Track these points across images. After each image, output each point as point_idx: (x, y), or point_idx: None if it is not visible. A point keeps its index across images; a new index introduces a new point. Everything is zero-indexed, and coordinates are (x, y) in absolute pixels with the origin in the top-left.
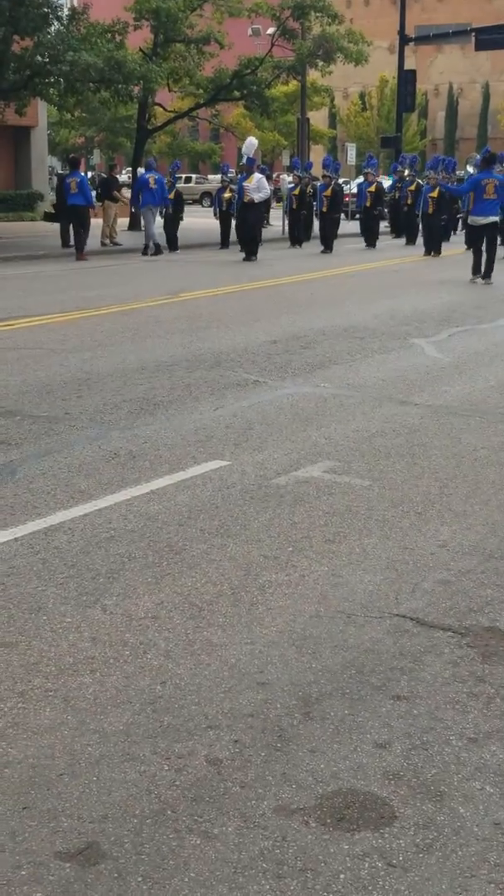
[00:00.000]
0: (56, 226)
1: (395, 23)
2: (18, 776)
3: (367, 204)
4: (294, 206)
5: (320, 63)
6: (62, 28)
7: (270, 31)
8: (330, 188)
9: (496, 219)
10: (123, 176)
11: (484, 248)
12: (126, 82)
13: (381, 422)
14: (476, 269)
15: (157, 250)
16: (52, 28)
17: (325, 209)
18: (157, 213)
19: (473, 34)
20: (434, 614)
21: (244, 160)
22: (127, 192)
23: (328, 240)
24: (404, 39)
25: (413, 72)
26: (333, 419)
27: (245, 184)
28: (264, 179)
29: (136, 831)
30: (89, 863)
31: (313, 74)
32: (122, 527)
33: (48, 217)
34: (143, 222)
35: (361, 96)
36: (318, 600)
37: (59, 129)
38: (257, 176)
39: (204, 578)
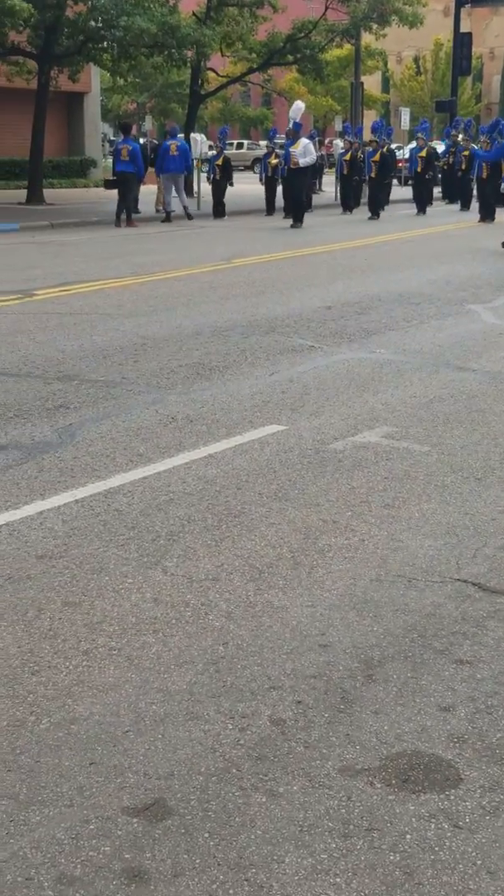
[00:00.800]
0: (112, 192)
1: None
2: (85, 732)
3: (419, 169)
4: (345, 172)
5: (374, 26)
6: None
7: None
8: (378, 153)
9: None
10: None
11: None
12: (179, 47)
13: (439, 387)
14: None
15: (167, 217)
16: None
17: (373, 175)
18: (182, 180)
19: None
20: (496, 579)
21: (291, 125)
22: None
23: (376, 206)
24: (460, 1)
25: (469, 35)
26: (390, 385)
27: (291, 149)
28: (311, 144)
29: (201, 788)
30: (157, 818)
31: (367, 38)
32: (181, 490)
33: (108, 184)
34: (161, 189)
35: (416, 60)
36: (378, 564)
37: (111, 94)
38: (304, 141)
39: (263, 542)
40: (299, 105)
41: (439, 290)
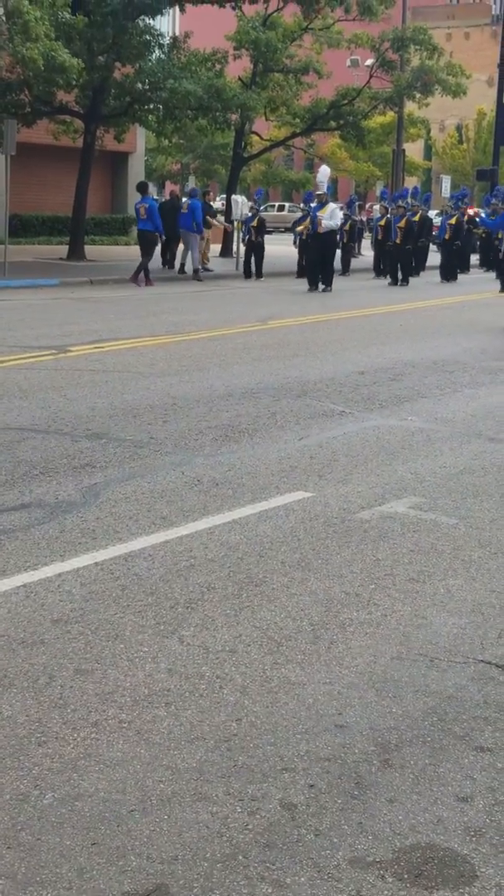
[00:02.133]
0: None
1: (494, 56)
2: (89, 810)
3: (446, 237)
4: (380, 237)
5: (418, 95)
6: (163, 56)
7: (369, 62)
8: (404, 219)
9: None
10: (218, 203)
11: None
12: (224, 110)
13: (470, 458)
14: None
15: (195, 275)
16: (154, 56)
17: (398, 241)
18: (193, 239)
19: None
20: None
21: (321, 188)
22: (221, 218)
23: (403, 272)
24: None
25: None
26: (420, 454)
27: (319, 213)
28: (338, 210)
29: (206, 875)
30: None
31: (410, 106)
32: (203, 556)
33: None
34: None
35: (458, 129)
36: (399, 641)
37: (156, 154)
38: (332, 205)
39: (283, 613)
40: (325, 170)
41: (474, 358)
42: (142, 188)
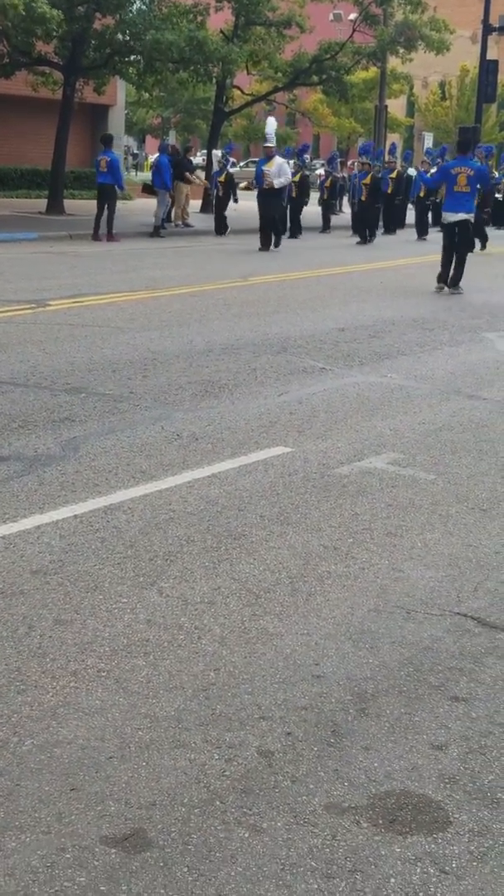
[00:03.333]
0: (140, 202)
1: (478, 12)
2: (68, 757)
3: (420, 194)
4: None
5: (401, 50)
6: (144, 7)
7: (352, 16)
8: (369, 176)
9: (468, 216)
10: (198, 158)
11: (455, 250)
12: (206, 63)
13: (449, 415)
14: (443, 276)
15: (155, 232)
16: (134, 6)
17: (363, 198)
18: (166, 195)
19: None
20: (496, 615)
21: (269, 141)
22: (201, 174)
23: (366, 229)
24: (488, 29)
25: (495, 62)
26: (399, 410)
27: (265, 168)
28: (286, 164)
29: (183, 820)
30: (135, 850)
31: (393, 62)
32: (182, 509)
33: (146, 189)
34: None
35: (441, 86)
36: (377, 594)
37: (136, 108)
38: (278, 160)
39: (262, 566)
40: (272, 121)
41: (454, 316)
42: (106, 141)
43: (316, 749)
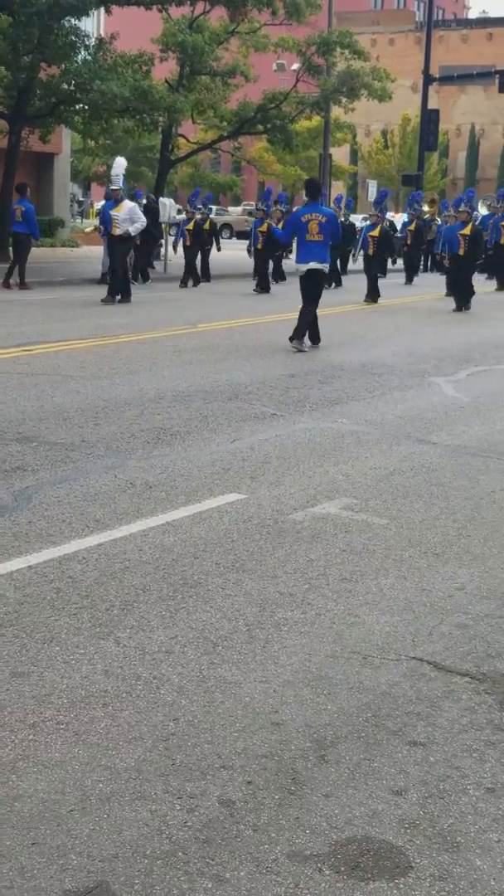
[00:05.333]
0: (85, 249)
1: (419, 62)
2: (28, 810)
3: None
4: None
5: (344, 99)
6: (89, 57)
7: (295, 66)
8: (265, 223)
9: (321, 266)
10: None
11: (301, 301)
12: (151, 112)
13: (399, 460)
14: (296, 333)
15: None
16: (80, 57)
17: (259, 246)
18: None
19: (497, 76)
20: (451, 659)
21: (115, 183)
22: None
23: (262, 279)
24: (428, 79)
25: (436, 111)
26: (351, 455)
27: (113, 212)
28: (137, 208)
29: (146, 872)
30: None
31: (336, 111)
32: (137, 558)
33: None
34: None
35: (384, 134)
36: (333, 640)
37: (81, 156)
38: (128, 204)
39: (219, 613)
40: (120, 161)
41: (401, 361)
42: (21, 189)
43: (277, 797)
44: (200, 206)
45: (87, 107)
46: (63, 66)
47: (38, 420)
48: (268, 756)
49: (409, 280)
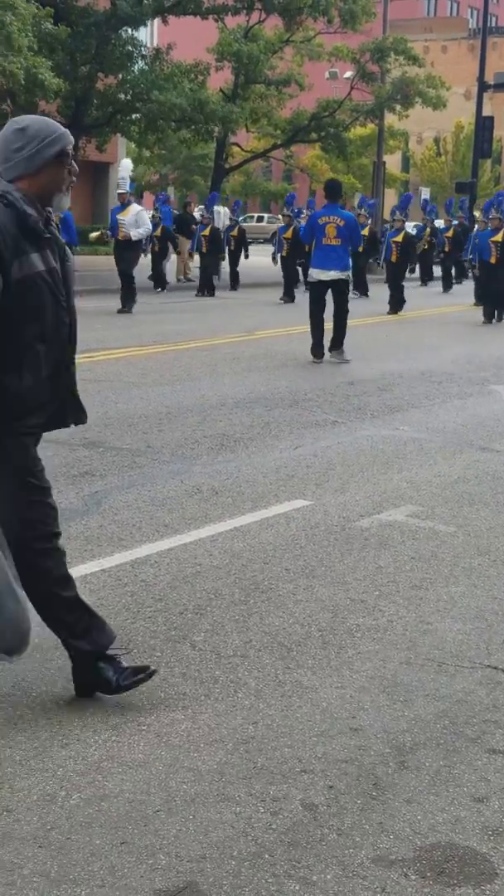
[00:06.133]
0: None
1: (471, 69)
2: (115, 810)
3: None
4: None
5: (398, 107)
6: (145, 67)
7: (348, 74)
8: (290, 229)
9: (342, 275)
10: (197, 213)
11: (332, 313)
12: (207, 122)
13: (463, 468)
14: (317, 348)
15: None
16: (136, 67)
17: (284, 253)
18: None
19: None
20: None
21: (121, 186)
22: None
23: (288, 287)
24: (483, 86)
25: (491, 118)
26: (414, 463)
27: (119, 216)
28: (144, 212)
29: (234, 873)
30: None
31: (390, 118)
32: (208, 563)
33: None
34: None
35: (436, 141)
36: (407, 647)
37: (136, 165)
38: (136, 208)
39: (291, 619)
40: (127, 163)
41: (461, 369)
42: None
43: (359, 802)
44: (218, 212)
45: (143, 116)
46: (120, 76)
47: (103, 426)
48: (348, 761)
49: (447, 288)
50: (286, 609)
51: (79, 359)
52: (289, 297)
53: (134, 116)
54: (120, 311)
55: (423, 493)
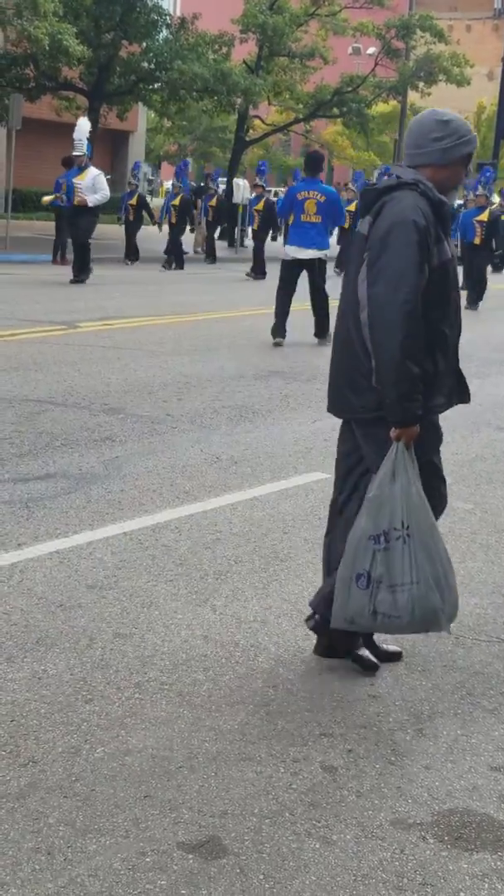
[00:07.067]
0: (152, 228)
1: (496, 49)
2: (139, 765)
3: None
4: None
5: (422, 84)
6: (170, 36)
7: (371, 50)
8: (262, 201)
9: (320, 253)
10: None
11: (310, 295)
12: (229, 94)
13: (480, 447)
14: (278, 329)
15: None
16: (160, 36)
17: (254, 227)
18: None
19: None
20: None
21: (77, 149)
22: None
23: (257, 263)
24: None
25: None
26: None
27: (76, 180)
28: (102, 176)
29: (255, 829)
30: (212, 856)
31: (412, 96)
32: (228, 530)
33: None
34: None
35: None
36: None
37: (154, 135)
38: (93, 171)
39: (310, 587)
40: (84, 124)
41: (478, 349)
42: (67, 164)
43: (378, 766)
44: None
45: (166, 86)
46: (144, 44)
47: (122, 393)
48: (366, 727)
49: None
50: (305, 578)
51: (98, 326)
52: (258, 272)
53: (156, 86)
54: (73, 282)
55: None
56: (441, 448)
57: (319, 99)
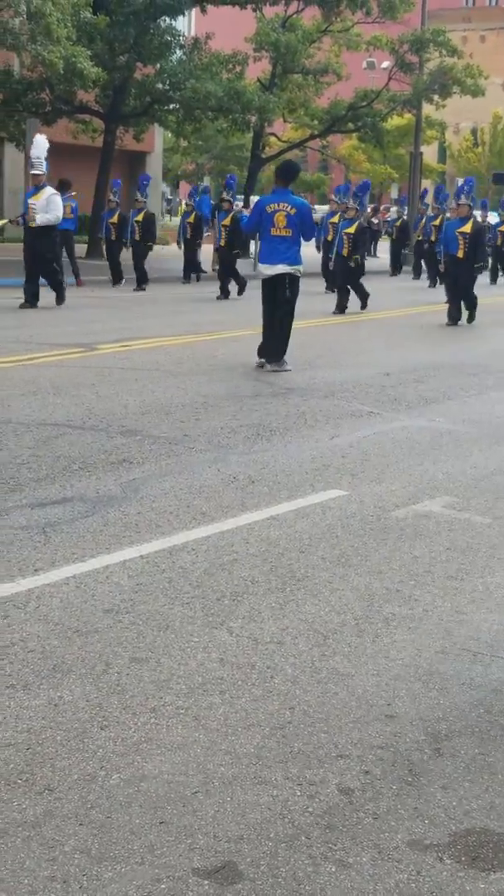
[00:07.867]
0: (171, 248)
1: None
2: (154, 791)
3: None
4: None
5: (436, 97)
6: (184, 56)
7: (385, 64)
8: (230, 216)
9: (290, 269)
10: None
11: (272, 312)
12: (244, 112)
13: (500, 460)
14: (263, 349)
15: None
16: (174, 56)
17: (222, 243)
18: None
19: None
20: None
21: (36, 167)
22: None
23: (223, 282)
24: None
25: None
26: (450, 454)
27: (31, 200)
28: (57, 196)
29: (271, 854)
30: (227, 881)
31: (427, 108)
32: (244, 550)
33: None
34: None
35: (473, 132)
36: (442, 636)
37: (171, 155)
38: (48, 191)
39: (327, 607)
40: (41, 141)
41: (497, 361)
42: (64, 186)
43: (395, 787)
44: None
45: (180, 106)
46: (158, 65)
47: (140, 414)
48: (383, 747)
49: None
50: (322, 597)
51: (116, 347)
52: (223, 292)
53: (171, 106)
54: (22, 306)
55: (458, 484)
56: (460, 461)
57: (334, 114)
